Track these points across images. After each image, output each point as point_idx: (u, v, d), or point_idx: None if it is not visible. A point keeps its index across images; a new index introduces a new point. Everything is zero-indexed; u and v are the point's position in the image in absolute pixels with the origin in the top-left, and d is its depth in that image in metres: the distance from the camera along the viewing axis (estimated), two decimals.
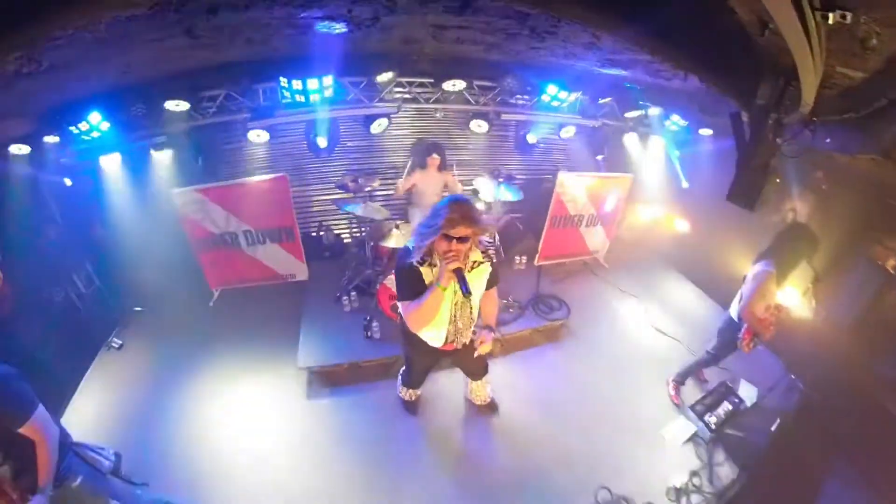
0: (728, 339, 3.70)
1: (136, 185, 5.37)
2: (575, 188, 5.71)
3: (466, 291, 2.41)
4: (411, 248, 2.56)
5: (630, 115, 5.85)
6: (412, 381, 3.83)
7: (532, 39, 3.60)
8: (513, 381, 4.52)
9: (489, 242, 2.88)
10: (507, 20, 3.27)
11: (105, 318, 5.47)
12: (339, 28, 3.43)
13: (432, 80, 5.10)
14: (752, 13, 1.68)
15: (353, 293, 5.39)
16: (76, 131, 4.32)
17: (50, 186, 4.59)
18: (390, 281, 4.64)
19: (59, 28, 2.31)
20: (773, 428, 3.58)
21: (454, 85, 5.07)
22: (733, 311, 3.63)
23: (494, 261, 2.77)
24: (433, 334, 2.91)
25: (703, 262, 5.88)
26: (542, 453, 3.76)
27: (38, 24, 2.22)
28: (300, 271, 6.00)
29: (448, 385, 4.30)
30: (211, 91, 4.67)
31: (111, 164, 4.95)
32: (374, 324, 4.82)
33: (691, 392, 4.31)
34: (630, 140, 6.32)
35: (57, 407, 4.03)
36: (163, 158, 5.06)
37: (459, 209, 2.35)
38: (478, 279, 2.70)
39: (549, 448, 3.80)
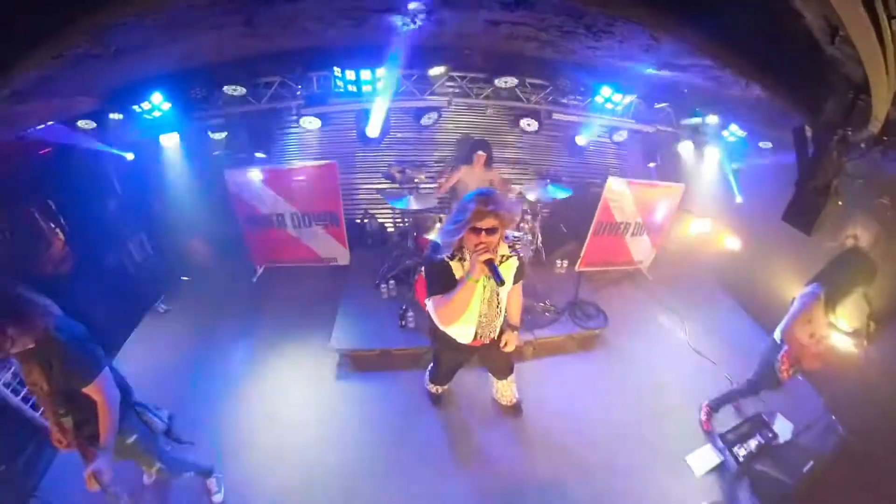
0: (769, 364, 3.48)
1: (191, 162, 5.66)
2: (623, 195, 5.56)
3: (500, 280, 2.38)
4: (440, 244, 2.55)
5: (686, 122, 5.57)
6: (439, 377, 3.83)
7: (587, 38, 3.50)
8: (540, 386, 4.45)
9: (515, 237, 2.85)
10: (562, 17, 3.19)
11: (154, 285, 5.81)
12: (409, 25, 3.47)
13: (484, 76, 5.05)
14: (821, 19, 1.56)
15: (392, 282, 5.46)
16: (139, 110, 4.56)
17: (112, 160, 4.90)
18: None
19: (127, 14, 2.43)
20: (804, 469, 3.31)
21: (506, 82, 5.00)
22: (777, 333, 3.43)
23: (521, 255, 2.77)
24: (462, 330, 2.89)
25: (752, 284, 5.56)
26: (560, 462, 3.68)
27: (107, 10, 2.34)
28: (342, 256, 6.15)
29: (476, 383, 4.27)
30: (267, 77, 4.82)
31: (170, 142, 5.21)
32: (410, 314, 4.87)
33: (724, 419, 4.08)
34: (684, 148, 5.99)
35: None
36: (218, 139, 5.27)
37: (487, 201, 2.34)
38: (506, 273, 2.66)
39: (567, 458, 3.71)
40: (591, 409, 4.23)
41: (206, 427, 3.96)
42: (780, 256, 4.76)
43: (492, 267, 2.37)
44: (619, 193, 5.53)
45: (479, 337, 2.95)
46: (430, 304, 2.68)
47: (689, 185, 5.85)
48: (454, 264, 2.56)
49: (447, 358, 3.49)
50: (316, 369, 4.65)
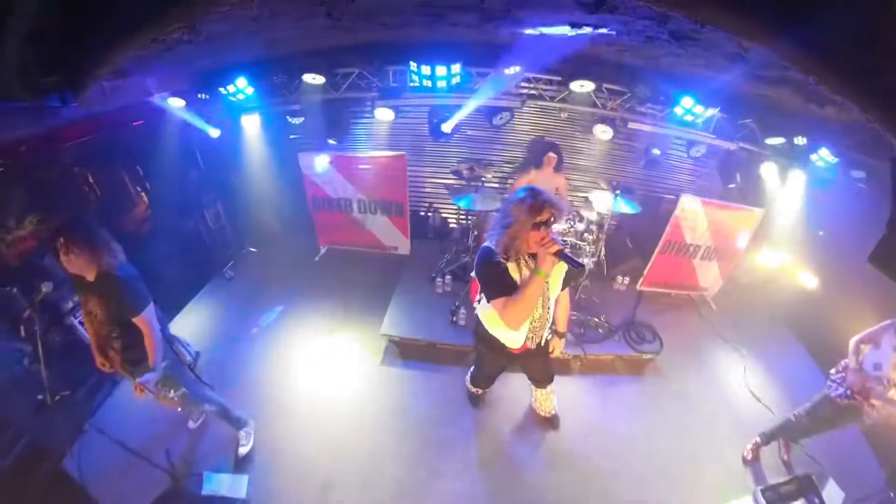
0: (823, 406, 3.22)
1: (269, 143, 6.00)
2: (697, 214, 5.26)
3: (578, 265, 2.33)
4: (493, 247, 2.49)
5: (771, 141, 5.02)
6: (481, 380, 3.80)
7: (671, 45, 3.33)
8: (581, 404, 4.34)
9: (564, 241, 2.78)
10: (645, 21, 3.05)
11: (223, 252, 6.28)
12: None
13: (560, 79, 4.94)
14: None
15: (448, 277, 5.51)
16: (224, 92, 4.88)
17: (197, 136, 5.28)
18: None
19: (219, 4, 2.63)
20: None
21: (582, 86, 4.84)
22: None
23: (583, 265, 2.76)
24: (514, 334, 2.84)
25: (825, 329, 4.89)
26: (588, 486, 3.58)
27: (205, 2, 2.57)
28: (403, 246, 6.30)
29: (518, 389, 4.23)
30: (345, 69, 4.98)
31: (251, 123, 5.54)
32: (462, 311, 4.92)
33: (768, 472, 3.78)
34: (767, 170, 5.46)
35: (167, 315, 4.73)
36: (296, 123, 5.55)
37: (540, 195, 2.34)
38: (556, 275, 2.61)
39: (597, 483, 3.59)
40: (631, 437, 4.06)
41: (249, 387, 4.27)
42: (861, 303, 4.12)
43: (565, 256, 2.31)
44: (692, 213, 5.24)
45: (527, 341, 2.90)
46: (490, 308, 2.62)
47: (769, 211, 5.40)
48: (510, 266, 2.50)
49: (490, 362, 3.44)
50: (362, 351, 4.82)
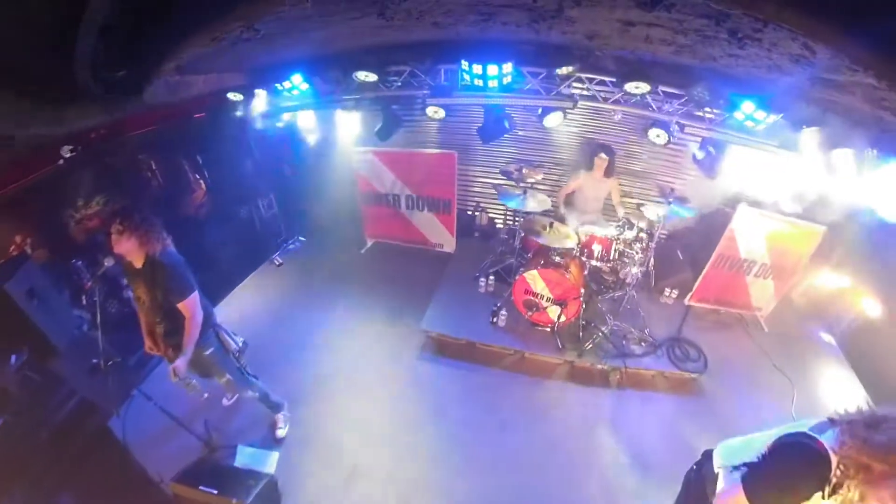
0: None
1: (323, 138, 6.21)
2: (754, 228, 4.99)
3: None
4: (827, 450, 1.61)
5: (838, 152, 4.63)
6: None
7: (731, 45, 3.16)
8: (616, 417, 4.21)
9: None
10: (703, 20, 2.91)
11: (274, 240, 6.61)
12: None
13: (614, 80, 4.78)
14: None
15: (492, 277, 5.55)
16: (281, 88, 5.11)
17: (254, 128, 5.56)
18: (530, 275, 4.68)
19: (276, 4, 2.77)
20: None
21: (637, 87, 4.64)
22: None
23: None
24: None
25: (883, 362, 4.61)
26: (612, 501, 3.47)
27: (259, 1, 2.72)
28: (448, 243, 6.40)
29: (556, 397, 4.20)
30: (397, 66, 5.05)
31: (306, 118, 5.77)
32: (503, 312, 4.92)
33: None
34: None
35: (217, 296, 5.08)
36: (349, 119, 5.67)
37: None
38: None
39: (623, 497, 3.49)
40: (661, 459, 3.83)
41: (289, 371, 4.43)
42: None
43: None
44: (749, 225, 4.98)
45: None
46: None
47: (833, 229, 4.90)
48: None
49: None
50: (401, 345, 4.89)
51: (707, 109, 4.77)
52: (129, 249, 2.82)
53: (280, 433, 3.78)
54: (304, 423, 3.91)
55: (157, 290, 2.91)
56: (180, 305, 2.91)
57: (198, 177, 5.42)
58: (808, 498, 1.59)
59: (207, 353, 3.20)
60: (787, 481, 1.67)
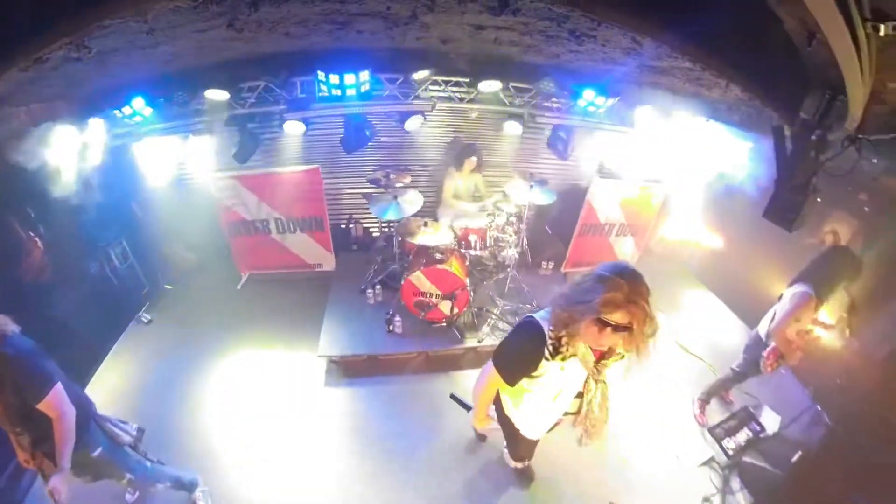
0: (754, 357, 3.57)
1: (174, 167, 5.50)
2: (608, 196, 5.66)
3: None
4: (540, 323, 2.02)
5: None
6: (525, 453, 3.20)
7: (571, 42, 3.55)
8: None
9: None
10: (546, 22, 3.23)
11: (137, 293, 5.71)
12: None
13: (468, 80, 5.06)
14: (798, 23, 1.61)
15: (378, 287, 5.48)
16: (120, 115, 4.46)
17: (92, 165, 4.70)
18: (416, 277, 4.70)
19: (108, 17, 2.41)
20: (793, 459, 3.41)
21: (490, 85, 5.02)
22: (762, 328, 3.50)
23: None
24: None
25: (735, 281, 5.66)
26: (550, 461, 3.64)
27: (87, 13, 2.33)
28: (327, 261, 6.14)
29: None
30: (250, 82, 4.75)
31: (152, 147, 5.05)
32: (397, 318, 4.89)
33: (714, 414, 4.16)
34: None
35: (84, 375, 4.27)
36: (202, 144, 5.18)
37: (627, 286, 1.76)
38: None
39: (557, 456, 3.64)
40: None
41: (193, 439, 3.93)
42: (761, 253, 4.85)
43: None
44: (603, 194, 5.63)
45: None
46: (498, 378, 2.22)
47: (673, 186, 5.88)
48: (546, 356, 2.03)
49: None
50: (304, 377, 4.63)
51: (554, 100, 5.29)
52: None
53: None
54: (226, 494, 3.49)
55: (7, 393, 2.20)
56: (41, 406, 2.24)
57: (31, 234, 4.36)
58: (537, 360, 2.05)
59: (95, 454, 2.58)
60: (514, 349, 2.18)
